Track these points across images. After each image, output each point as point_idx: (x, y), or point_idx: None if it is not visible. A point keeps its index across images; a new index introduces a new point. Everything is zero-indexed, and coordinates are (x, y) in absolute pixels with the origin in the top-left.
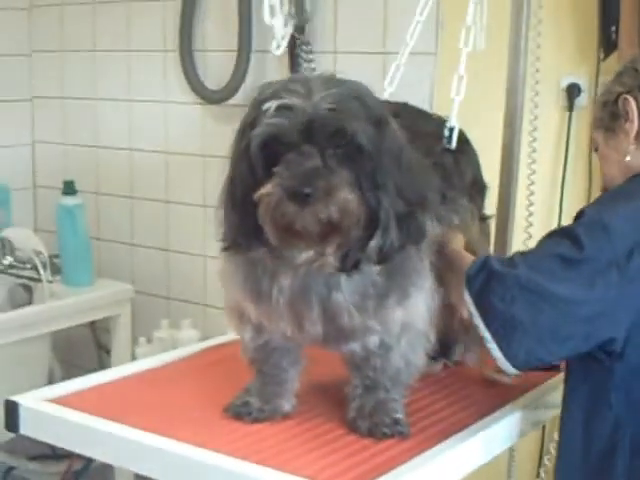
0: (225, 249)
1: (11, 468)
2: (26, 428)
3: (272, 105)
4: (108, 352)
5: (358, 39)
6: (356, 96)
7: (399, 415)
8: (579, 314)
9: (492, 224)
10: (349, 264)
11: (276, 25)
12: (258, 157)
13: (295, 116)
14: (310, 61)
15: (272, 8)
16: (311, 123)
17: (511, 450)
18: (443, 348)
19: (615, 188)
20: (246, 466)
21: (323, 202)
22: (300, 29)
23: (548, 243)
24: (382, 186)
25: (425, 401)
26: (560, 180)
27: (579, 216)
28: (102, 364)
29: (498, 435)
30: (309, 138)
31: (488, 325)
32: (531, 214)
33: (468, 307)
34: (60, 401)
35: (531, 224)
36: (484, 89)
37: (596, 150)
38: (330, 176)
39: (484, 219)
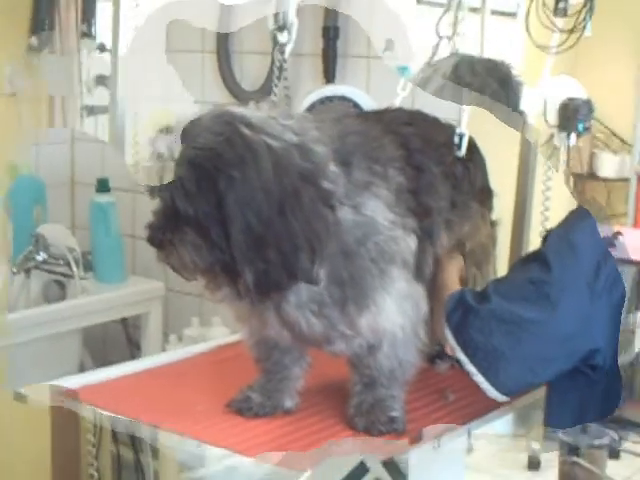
0: None
1: None
2: None
3: None
4: (139, 348)
5: None
6: (203, 153)
7: (395, 413)
8: (557, 335)
9: (498, 230)
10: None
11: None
12: None
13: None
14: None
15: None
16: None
17: None
18: None
19: (579, 206)
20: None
21: (164, 253)
22: None
23: (519, 269)
24: (232, 240)
25: (425, 400)
26: None
27: (547, 237)
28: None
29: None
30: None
31: (471, 358)
32: (546, 219)
33: (450, 342)
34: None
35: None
36: None
37: None
38: (167, 232)
39: (492, 224)
